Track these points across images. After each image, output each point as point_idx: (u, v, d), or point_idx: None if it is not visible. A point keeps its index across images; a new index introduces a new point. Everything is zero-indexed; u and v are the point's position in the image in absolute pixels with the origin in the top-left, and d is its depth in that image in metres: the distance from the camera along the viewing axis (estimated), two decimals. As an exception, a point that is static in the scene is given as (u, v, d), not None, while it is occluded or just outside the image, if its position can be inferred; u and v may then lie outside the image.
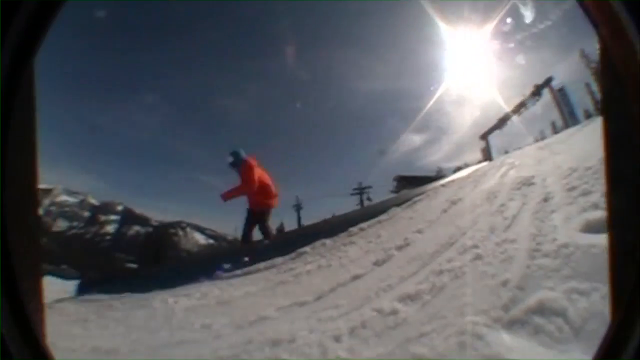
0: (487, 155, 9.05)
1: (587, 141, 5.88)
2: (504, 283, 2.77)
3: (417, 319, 2.90)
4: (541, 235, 3.36)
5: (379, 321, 3.15)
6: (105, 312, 5.33)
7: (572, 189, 4.13)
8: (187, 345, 3.75)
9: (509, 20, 7.57)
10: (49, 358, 1.00)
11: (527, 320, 2.29)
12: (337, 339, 3.08)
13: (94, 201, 11.79)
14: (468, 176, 7.28)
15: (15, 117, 0.82)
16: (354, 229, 6.31)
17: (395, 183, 8.04)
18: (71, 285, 7.10)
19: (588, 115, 8.72)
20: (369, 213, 6.88)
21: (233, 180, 6.73)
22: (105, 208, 11.97)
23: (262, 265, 6.02)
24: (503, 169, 6.79)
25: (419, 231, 5.16)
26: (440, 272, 3.52)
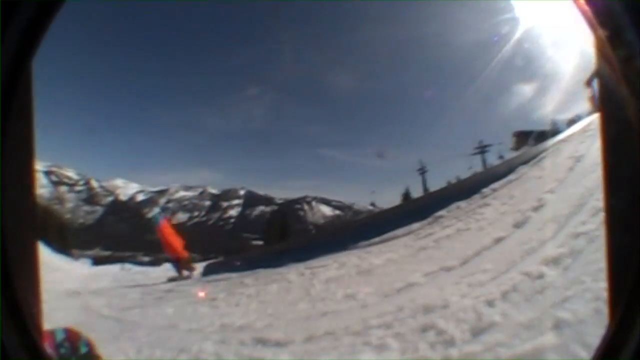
0: (595, 104, 7.69)
1: None
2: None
3: (561, 284, 3.24)
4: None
5: (528, 285, 3.33)
6: (235, 289, 5.11)
7: None
8: (332, 317, 3.58)
9: None
10: (47, 358, 1.00)
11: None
12: (491, 303, 3.15)
13: (214, 190, 12.40)
14: (584, 130, 6.72)
15: (13, 118, 0.82)
16: (486, 190, 6.27)
17: (514, 139, 7.77)
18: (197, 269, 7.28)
19: None
20: (497, 173, 6.78)
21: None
22: (227, 195, 12.37)
23: (399, 231, 5.95)
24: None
25: (551, 191, 5.22)
26: (577, 236, 3.77)
